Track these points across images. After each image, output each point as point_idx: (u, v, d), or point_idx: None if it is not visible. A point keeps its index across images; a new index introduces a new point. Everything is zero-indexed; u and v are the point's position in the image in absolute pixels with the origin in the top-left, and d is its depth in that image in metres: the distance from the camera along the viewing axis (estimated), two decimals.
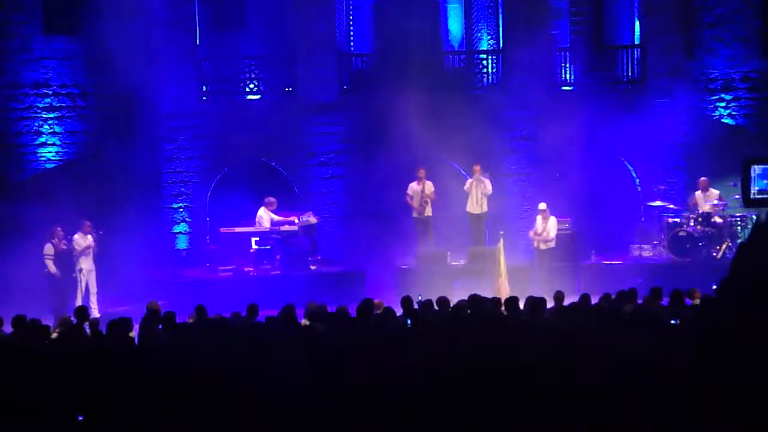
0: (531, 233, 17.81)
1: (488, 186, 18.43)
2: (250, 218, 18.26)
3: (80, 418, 8.11)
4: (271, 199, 18.33)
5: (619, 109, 19.56)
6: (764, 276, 4.08)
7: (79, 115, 19.24)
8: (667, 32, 19.76)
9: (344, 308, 11.43)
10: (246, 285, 17.04)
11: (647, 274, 16.83)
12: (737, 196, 17.49)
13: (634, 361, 8.09)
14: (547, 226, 17.68)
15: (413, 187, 18.60)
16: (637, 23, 20.56)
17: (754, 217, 16.70)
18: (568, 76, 20.21)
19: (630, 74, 20.39)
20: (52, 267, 16.14)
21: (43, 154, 19.34)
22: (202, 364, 8.55)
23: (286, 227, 18.12)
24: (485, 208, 18.52)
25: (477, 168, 18.48)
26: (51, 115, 19.29)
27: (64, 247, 16.35)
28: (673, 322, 10.33)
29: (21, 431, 7.84)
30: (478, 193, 18.41)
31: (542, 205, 17.75)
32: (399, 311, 11.57)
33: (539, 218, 17.79)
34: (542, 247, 17.71)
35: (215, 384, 8.02)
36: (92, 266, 16.57)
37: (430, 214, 18.58)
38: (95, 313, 15.60)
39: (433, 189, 18.52)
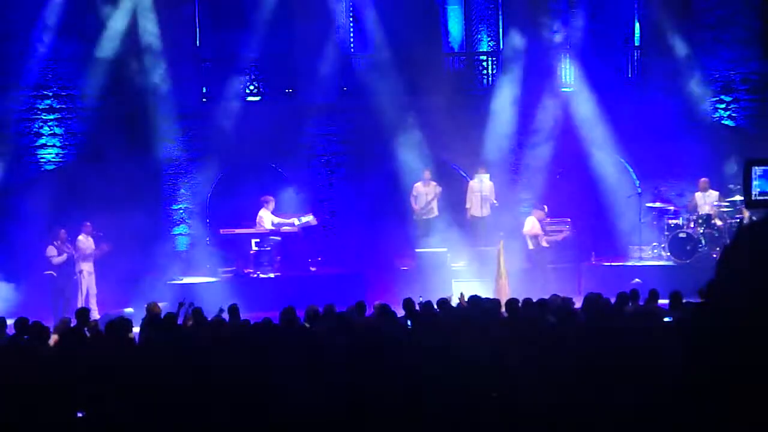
0: (538, 231, 17.65)
1: (491, 190, 18.51)
2: (250, 219, 18.27)
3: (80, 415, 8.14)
4: (269, 197, 18.36)
5: (619, 109, 19.58)
6: (749, 277, 4.10)
7: (79, 117, 19.23)
8: (667, 33, 19.76)
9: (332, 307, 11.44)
10: (246, 286, 17.05)
11: (647, 275, 16.82)
12: (736, 198, 17.51)
13: (632, 360, 8.11)
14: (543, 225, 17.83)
15: (418, 187, 18.68)
16: (637, 23, 20.58)
17: (754, 218, 16.71)
18: (568, 76, 20.24)
19: (630, 74, 20.41)
20: (57, 259, 16.14)
21: (43, 156, 19.33)
22: (202, 365, 8.55)
23: (287, 228, 18.14)
24: (488, 211, 18.56)
25: (481, 170, 18.60)
26: (51, 117, 19.28)
27: (67, 249, 16.36)
28: (667, 319, 10.37)
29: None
30: (480, 196, 18.46)
31: (539, 213, 17.81)
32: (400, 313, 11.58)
33: (539, 220, 17.75)
34: (544, 244, 17.68)
35: (215, 385, 8.02)
36: (92, 268, 16.58)
37: (436, 214, 18.64)
38: (95, 314, 15.59)
39: (439, 190, 18.58)
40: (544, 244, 17.61)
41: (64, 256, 16.22)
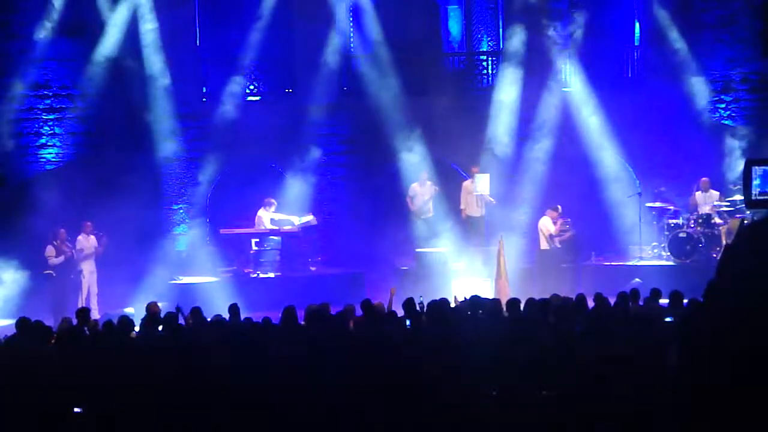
0: (553, 231, 17.50)
1: (487, 189, 18.48)
2: (250, 219, 18.26)
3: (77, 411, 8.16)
4: (271, 200, 18.37)
5: (619, 109, 19.57)
6: (750, 277, 4.09)
7: (79, 117, 19.21)
8: (667, 32, 19.76)
9: (352, 307, 11.43)
10: (246, 286, 17.04)
11: (647, 275, 16.81)
12: (736, 198, 17.50)
13: (632, 360, 8.11)
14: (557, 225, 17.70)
15: (415, 188, 18.67)
16: (637, 23, 20.58)
17: (755, 219, 16.70)
18: (568, 76, 20.23)
19: (629, 74, 20.42)
20: (53, 261, 16.14)
21: (43, 156, 19.33)
22: (202, 365, 8.55)
23: (287, 228, 18.14)
24: (484, 211, 18.54)
25: (475, 170, 18.56)
26: (51, 117, 19.27)
27: (66, 249, 16.35)
28: (668, 319, 10.38)
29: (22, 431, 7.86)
30: (475, 196, 18.45)
31: (553, 213, 17.71)
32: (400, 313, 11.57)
33: (553, 219, 17.63)
34: (558, 244, 17.60)
35: (215, 385, 8.02)
36: (93, 267, 16.59)
37: (432, 214, 18.63)
38: (95, 314, 15.58)
39: (436, 190, 18.57)
40: (558, 244, 17.57)
41: (62, 258, 16.22)
